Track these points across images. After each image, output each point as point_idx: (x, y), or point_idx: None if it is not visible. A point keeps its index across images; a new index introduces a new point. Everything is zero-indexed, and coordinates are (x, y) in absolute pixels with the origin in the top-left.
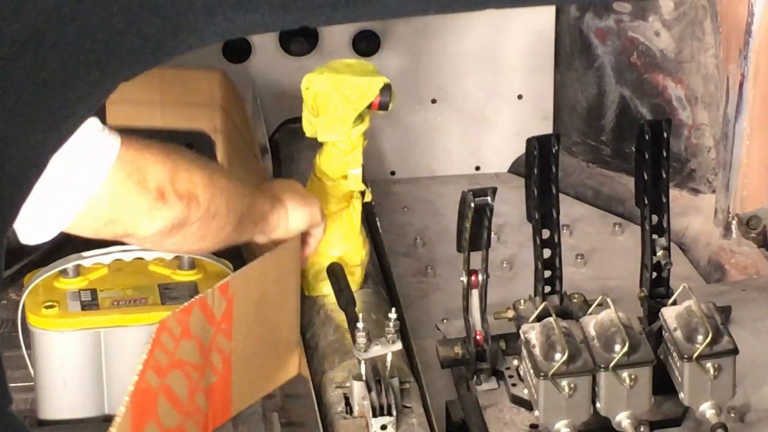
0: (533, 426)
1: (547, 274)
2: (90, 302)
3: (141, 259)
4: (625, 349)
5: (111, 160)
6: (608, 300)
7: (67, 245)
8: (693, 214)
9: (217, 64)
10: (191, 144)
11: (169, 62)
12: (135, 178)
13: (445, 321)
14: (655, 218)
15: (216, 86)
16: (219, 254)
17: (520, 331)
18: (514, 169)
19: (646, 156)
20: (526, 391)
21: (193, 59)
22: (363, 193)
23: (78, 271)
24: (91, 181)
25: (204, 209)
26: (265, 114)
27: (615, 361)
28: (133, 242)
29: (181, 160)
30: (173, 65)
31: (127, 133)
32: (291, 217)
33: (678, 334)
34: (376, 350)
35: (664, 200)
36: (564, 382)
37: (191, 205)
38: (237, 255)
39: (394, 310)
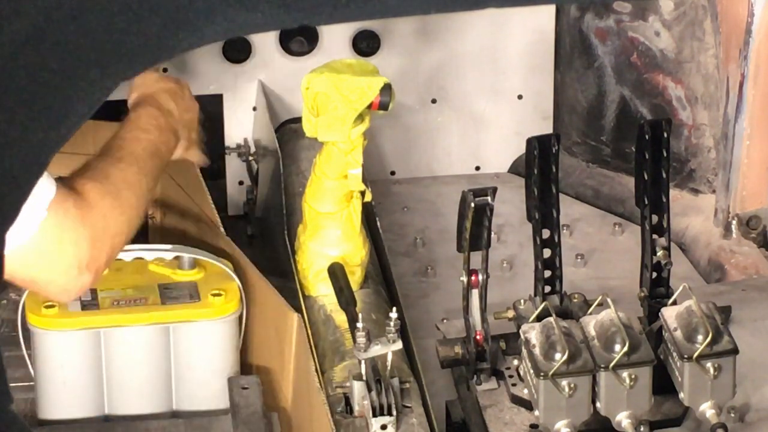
0: (533, 426)
1: (547, 274)
2: (90, 302)
3: (141, 259)
4: (625, 349)
5: (44, 210)
6: (608, 300)
7: None
8: (693, 214)
9: (217, 64)
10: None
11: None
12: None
13: (445, 321)
14: (655, 218)
15: None
16: (219, 254)
17: (520, 331)
18: (514, 169)
19: (646, 156)
20: (526, 391)
21: (193, 59)
22: (363, 193)
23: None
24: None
25: (120, 246)
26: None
27: (615, 361)
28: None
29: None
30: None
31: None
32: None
33: (678, 334)
34: (376, 350)
35: (664, 200)
36: (564, 382)
37: (106, 266)
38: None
39: (395, 309)
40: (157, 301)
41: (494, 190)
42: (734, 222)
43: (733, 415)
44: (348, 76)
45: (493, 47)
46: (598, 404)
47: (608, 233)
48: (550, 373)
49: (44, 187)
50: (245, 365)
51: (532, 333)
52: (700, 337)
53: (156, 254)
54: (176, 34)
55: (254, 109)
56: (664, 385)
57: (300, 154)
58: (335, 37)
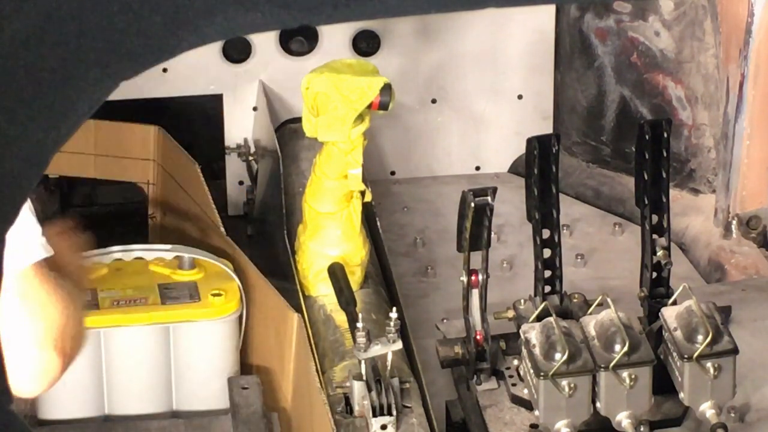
0: (533, 426)
1: (547, 274)
2: (90, 302)
3: (141, 259)
4: (625, 349)
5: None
6: (608, 300)
7: None
8: (693, 214)
9: (217, 64)
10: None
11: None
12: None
13: (445, 321)
14: (655, 218)
15: (151, 140)
16: (219, 254)
17: (520, 331)
18: (514, 169)
19: (646, 156)
20: (526, 391)
21: (193, 59)
22: (363, 193)
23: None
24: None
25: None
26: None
27: (615, 361)
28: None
29: (74, 312)
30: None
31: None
32: None
33: (678, 334)
34: (376, 350)
35: (664, 200)
36: (564, 382)
37: (70, 362)
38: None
39: (395, 309)
40: (157, 301)
41: (494, 190)
42: (734, 222)
43: (733, 415)
44: (348, 76)
45: (493, 47)
46: (598, 404)
47: (608, 233)
48: (550, 373)
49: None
50: (245, 365)
51: (532, 333)
52: (700, 337)
53: (156, 254)
54: (176, 34)
55: (254, 109)
56: (664, 385)
57: (300, 154)
58: (335, 37)
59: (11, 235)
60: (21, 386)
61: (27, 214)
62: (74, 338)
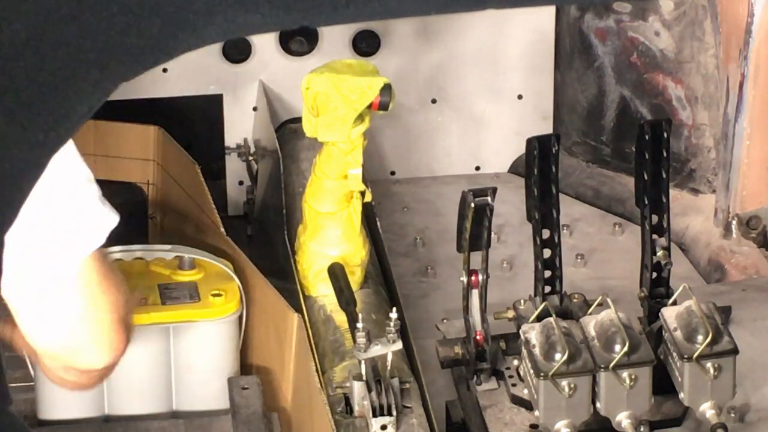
0: (533, 426)
1: (547, 274)
2: None
3: (141, 259)
4: (625, 349)
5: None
6: (608, 300)
7: None
8: (693, 214)
9: (217, 64)
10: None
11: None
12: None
13: (445, 321)
14: (655, 218)
15: (151, 140)
16: (219, 254)
17: (520, 331)
18: (514, 169)
19: (646, 156)
20: (526, 391)
21: (193, 59)
22: (363, 193)
23: None
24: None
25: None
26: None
27: (615, 361)
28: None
29: (126, 291)
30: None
31: None
32: None
33: (678, 334)
34: (376, 350)
35: (664, 200)
36: (564, 382)
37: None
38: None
39: (395, 309)
40: (157, 301)
41: (494, 190)
42: (734, 222)
43: (733, 415)
44: (348, 76)
45: (493, 47)
46: (598, 404)
47: (608, 233)
48: (550, 373)
49: (108, 215)
50: (245, 365)
51: (532, 333)
52: (700, 337)
53: (156, 254)
54: (176, 35)
55: (254, 109)
56: (664, 385)
57: (300, 154)
58: (335, 37)
59: (78, 220)
60: (94, 360)
61: (85, 186)
62: (131, 314)
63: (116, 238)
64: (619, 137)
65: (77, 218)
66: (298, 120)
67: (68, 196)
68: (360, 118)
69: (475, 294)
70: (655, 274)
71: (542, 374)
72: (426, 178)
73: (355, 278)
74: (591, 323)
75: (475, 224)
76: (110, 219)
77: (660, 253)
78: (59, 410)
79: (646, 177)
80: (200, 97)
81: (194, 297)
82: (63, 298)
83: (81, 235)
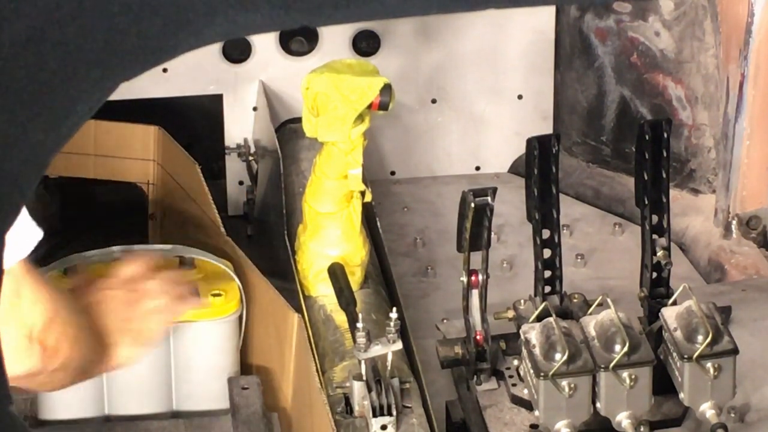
0: (533, 426)
1: (547, 274)
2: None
3: None
4: (625, 349)
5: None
6: (608, 300)
7: (68, 245)
8: (693, 214)
9: (217, 64)
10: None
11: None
12: (21, 299)
13: (445, 321)
14: (655, 218)
15: (151, 140)
16: (219, 254)
17: (520, 331)
18: (514, 169)
19: (646, 156)
20: (526, 391)
21: (193, 59)
22: (363, 193)
23: (78, 270)
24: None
25: (59, 363)
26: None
27: (615, 361)
28: None
29: (62, 310)
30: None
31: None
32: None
33: (678, 334)
34: (376, 350)
35: (664, 200)
36: (564, 382)
37: (51, 358)
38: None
39: (395, 309)
40: None
41: (494, 190)
42: (734, 222)
43: (733, 415)
44: (348, 76)
45: (493, 47)
46: (598, 404)
47: (608, 233)
48: (550, 373)
49: (33, 229)
50: (245, 365)
51: (532, 333)
52: (700, 337)
53: (156, 254)
54: (177, 35)
55: (254, 109)
56: (664, 385)
57: (300, 154)
58: (335, 37)
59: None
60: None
61: (22, 215)
62: (61, 335)
63: (116, 238)
64: (619, 137)
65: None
66: (298, 120)
67: None
68: (360, 118)
69: (475, 294)
70: (655, 274)
71: (542, 374)
72: (426, 178)
73: (355, 278)
74: (591, 323)
75: (475, 224)
76: (35, 234)
77: (660, 253)
78: (59, 410)
79: (646, 177)
80: (200, 97)
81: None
82: None
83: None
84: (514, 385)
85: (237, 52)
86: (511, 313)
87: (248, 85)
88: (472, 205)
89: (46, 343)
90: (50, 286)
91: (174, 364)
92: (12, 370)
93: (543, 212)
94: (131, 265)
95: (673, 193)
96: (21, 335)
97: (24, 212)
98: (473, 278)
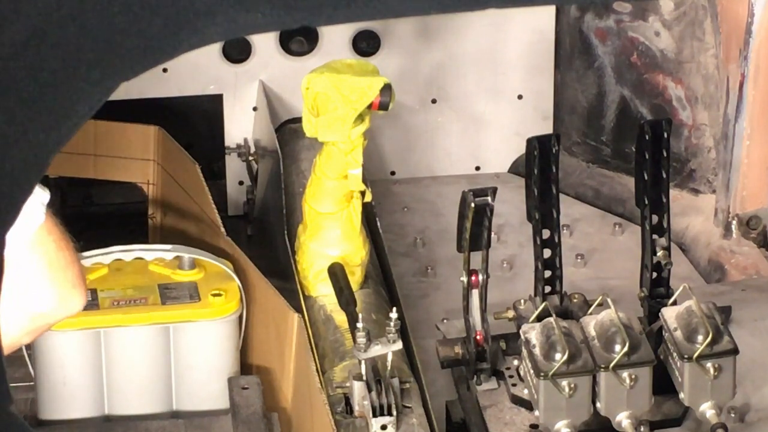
0: (533, 426)
1: (547, 274)
2: (90, 302)
3: (141, 259)
4: (625, 349)
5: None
6: (608, 300)
7: None
8: (693, 214)
9: (217, 64)
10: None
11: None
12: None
13: (445, 321)
14: (655, 218)
15: (151, 140)
16: (219, 254)
17: (521, 331)
18: (514, 169)
19: (646, 156)
20: (526, 391)
21: (193, 59)
22: (363, 193)
23: None
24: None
25: None
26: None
27: (615, 361)
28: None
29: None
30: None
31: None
32: None
33: (678, 334)
34: (376, 350)
35: (664, 200)
36: (564, 382)
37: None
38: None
39: (395, 309)
40: (157, 301)
41: (494, 190)
42: (734, 222)
43: (733, 415)
44: (348, 76)
45: (493, 47)
46: (598, 404)
47: (608, 233)
48: (550, 373)
49: (39, 192)
50: (245, 365)
51: (532, 333)
52: (700, 337)
53: (156, 254)
54: (177, 35)
55: (254, 109)
56: (664, 385)
57: (300, 154)
58: (335, 37)
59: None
60: (60, 313)
61: None
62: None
63: (116, 238)
64: (619, 137)
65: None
66: (298, 120)
67: None
68: (360, 118)
69: (475, 294)
70: (655, 274)
71: (542, 374)
72: (426, 178)
73: (355, 278)
74: (591, 323)
75: (475, 224)
76: (44, 195)
77: (660, 253)
78: (59, 410)
79: (646, 177)
80: (200, 97)
81: (194, 297)
82: (25, 267)
83: (23, 216)
84: (514, 385)
85: (237, 52)
86: (511, 313)
87: (248, 85)
88: (472, 205)
89: (85, 274)
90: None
91: (174, 364)
92: (71, 311)
93: (543, 212)
94: None
95: (673, 193)
96: (71, 278)
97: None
98: (473, 278)
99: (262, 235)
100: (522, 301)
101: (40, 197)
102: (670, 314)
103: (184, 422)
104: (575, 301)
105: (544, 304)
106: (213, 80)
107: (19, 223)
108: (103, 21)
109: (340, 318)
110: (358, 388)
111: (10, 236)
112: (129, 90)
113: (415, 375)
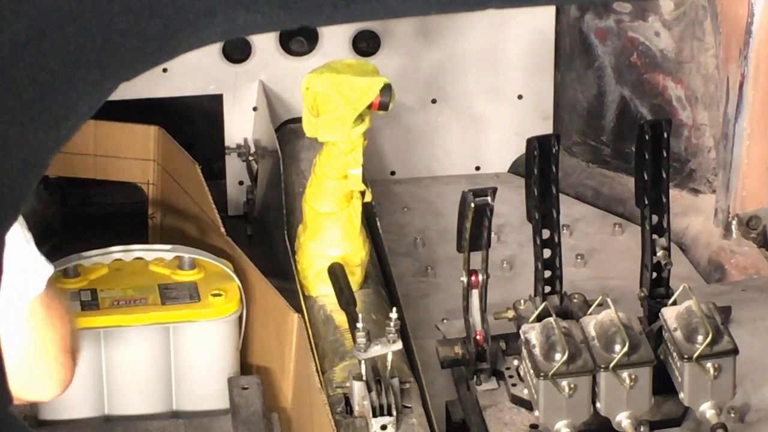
0: (533, 426)
1: (547, 274)
2: (90, 302)
3: (141, 259)
4: (625, 349)
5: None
6: (608, 300)
7: (66, 245)
8: (693, 214)
9: (217, 64)
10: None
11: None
12: (53, 317)
13: (445, 321)
14: (655, 218)
15: (151, 140)
16: (219, 254)
17: (520, 331)
18: (514, 169)
19: (646, 156)
20: (526, 391)
21: (193, 59)
22: (363, 193)
23: (78, 270)
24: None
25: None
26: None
27: (615, 361)
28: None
29: (73, 319)
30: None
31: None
32: None
33: (678, 334)
34: (376, 350)
35: (664, 200)
36: (564, 382)
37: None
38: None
39: (395, 309)
40: (157, 301)
41: (494, 190)
42: (734, 222)
43: (733, 415)
44: (348, 76)
45: (493, 47)
46: (598, 404)
47: (608, 233)
48: (550, 373)
49: (43, 265)
50: (245, 365)
51: (532, 333)
52: (700, 338)
53: (156, 254)
54: (176, 35)
55: (254, 109)
56: (664, 385)
57: (300, 154)
58: (335, 37)
59: (13, 269)
60: (42, 393)
61: (22, 242)
62: (76, 337)
63: (116, 238)
64: (619, 137)
65: (18, 272)
66: (298, 120)
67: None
68: (360, 118)
69: (475, 294)
70: (655, 274)
71: (542, 374)
72: (426, 178)
73: (355, 278)
74: (591, 323)
75: (475, 224)
76: (47, 269)
77: (660, 253)
78: (59, 410)
79: (646, 177)
80: (200, 97)
81: (194, 297)
82: (8, 335)
83: (23, 284)
84: (514, 385)
85: (237, 52)
86: (511, 313)
87: (248, 85)
88: (472, 205)
89: (77, 348)
90: (62, 292)
91: (174, 364)
92: (50, 392)
93: (543, 212)
94: None
95: (673, 193)
96: (60, 350)
97: (33, 249)
98: (473, 278)
99: (262, 235)
100: (522, 301)
101: (44, 269)
102: (670, 314)
103: (184, 422)
104: (575, 301)
105: (544, 304)
106: (213, 80)
107: (17, 289)
108: (102, 21)
109: (340, 318)
110: (358, 388)
111: (3, 300)
112: (129, 90)
113: (415, 375)
